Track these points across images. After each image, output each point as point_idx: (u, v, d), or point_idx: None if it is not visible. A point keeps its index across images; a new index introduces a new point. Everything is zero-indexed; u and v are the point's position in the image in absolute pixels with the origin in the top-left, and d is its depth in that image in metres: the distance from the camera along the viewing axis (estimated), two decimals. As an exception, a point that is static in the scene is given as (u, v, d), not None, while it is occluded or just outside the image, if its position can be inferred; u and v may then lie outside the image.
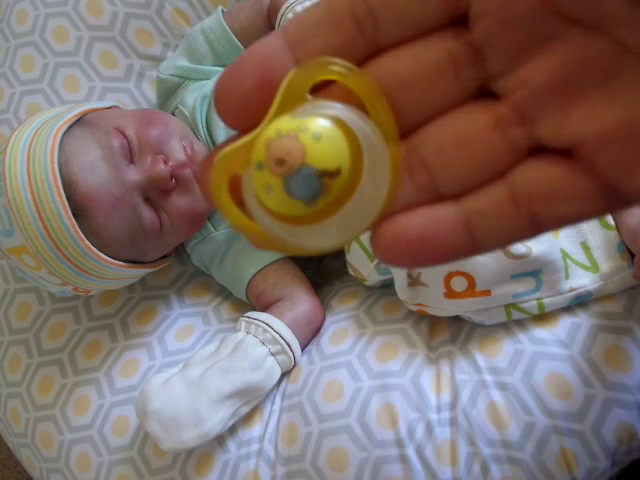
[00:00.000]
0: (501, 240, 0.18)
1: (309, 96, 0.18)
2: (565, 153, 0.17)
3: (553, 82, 0.17)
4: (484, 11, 0.17)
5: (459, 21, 0.17)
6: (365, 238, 0.56)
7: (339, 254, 0.70)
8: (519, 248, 0.47)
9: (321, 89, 0.18)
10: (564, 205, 0.17)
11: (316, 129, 0.17)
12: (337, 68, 0.17)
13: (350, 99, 0.18)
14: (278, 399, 0.56)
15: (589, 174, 0.17)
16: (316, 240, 0.18)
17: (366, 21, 0.17)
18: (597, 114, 0.16)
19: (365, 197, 0.18)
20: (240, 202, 0.19)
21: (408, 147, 0.18)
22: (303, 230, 0.18)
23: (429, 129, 0.18)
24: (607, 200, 0.17)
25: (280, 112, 0.17)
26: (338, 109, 0.17)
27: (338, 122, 0.17)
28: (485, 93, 0.18)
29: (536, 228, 0.18)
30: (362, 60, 0.18)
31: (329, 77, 0.17)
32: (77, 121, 0.57)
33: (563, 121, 0.17)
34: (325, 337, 0.58)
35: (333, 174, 0.17)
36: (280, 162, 0.17)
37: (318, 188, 0.17)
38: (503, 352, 0.49)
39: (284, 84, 0.17)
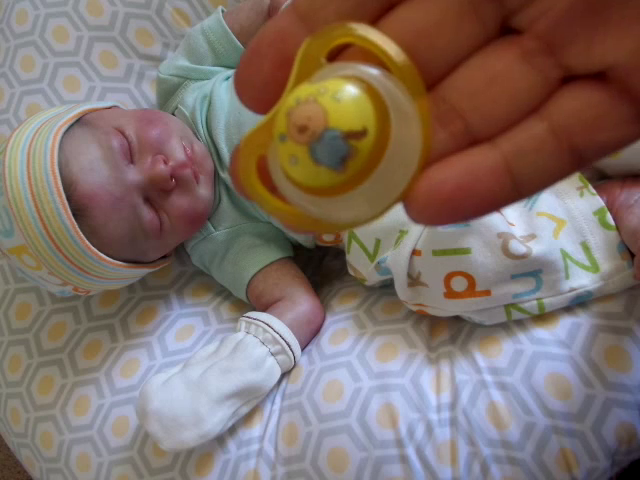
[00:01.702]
0: (544, 179, 0.17)
1: (325, 62, 0.17)
2: (598, 78, 0.16)
3: (576, 5, 0.16)
4: None
5: None
6: (365, 237, 0.56)
7: (339, 254, 0.70)
8: (519, 248, 0.47)
9: (337, 56, 0.17)
10: (605, 132, 0.17)
11: (335, 90, 0.16)
12: (350, 30, 0.16)
13: (369, 59, 0.17)
14: (278, 399, 0.56)
15: (625, 96, 0.16)
16: (349, 212, 0.17)
17: None
18: (628, 33, 0.16)
19: (397, 157, 0.16)
20: (272, 185, 0.18)
21: (435, 98, 0.17)
22: (335, 202, 0.17)
23: (455, 76, 0.18)
24: None
25: (298, 82, 0.17)
26: (356, 68, 0.17)
27: (358, 81, 0.16)
28: (507, 32, 0.17)
29: (578, 161, 0.17)
30: (377, 19, 0.17)
31: (343, 40, 0.17)
32: (77, 121, 0.57)
33: (591, 44, 0.16)
34: (325, 337, 0.58)
35: (359, 135, 0.16)
36: (302, 129, 0.16)
37: (345, 151, 0.16)
38: (503, 352, 0.49)
39: (299, 55, 0.17)
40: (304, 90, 0.16)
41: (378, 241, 0.55)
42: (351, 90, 0.16)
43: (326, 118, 0.16)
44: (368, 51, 0.17)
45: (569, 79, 0.17)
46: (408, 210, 0.17)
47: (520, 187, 0.17)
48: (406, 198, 0.17)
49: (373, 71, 0.16)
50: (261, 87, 0.17)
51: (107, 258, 0.55)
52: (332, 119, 0.16)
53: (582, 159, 0.17)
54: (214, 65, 0.66)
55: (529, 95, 0.17)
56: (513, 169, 0.17)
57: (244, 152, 0.18)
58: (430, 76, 0.17)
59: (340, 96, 0.16)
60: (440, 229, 0.48)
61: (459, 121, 0.17)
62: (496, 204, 0.17)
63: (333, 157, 0.16)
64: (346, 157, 0.16)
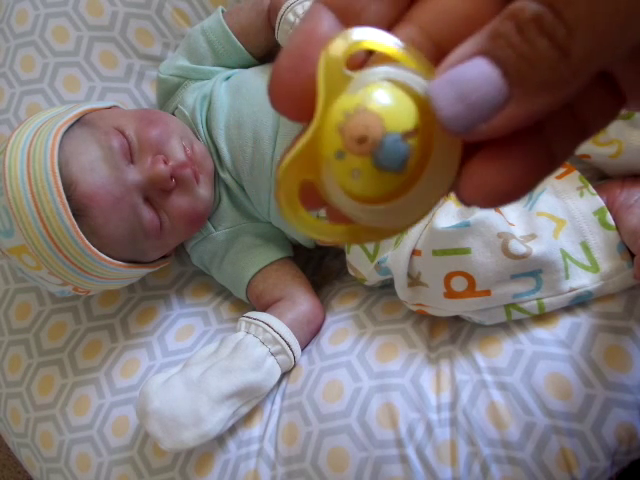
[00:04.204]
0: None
1: (348, 72, 0.17)
2: None
3: None
4: None
5: None
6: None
7: (339, 254, 0.70)
8: (519, 248, 0.47)
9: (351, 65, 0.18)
10: None
11: (380, 95, 0.16)
12: (357, 37, 0.17)
13: (383, 61, 0.17)
14: (278, 399, 0.56)
15: None
16: (412, 210, 0.17)
17: None
18: None
19: (445, 143, 0.17)
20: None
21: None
22: (399, 204, 0.17)
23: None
24: None
25: (330, 97, 0.17)
26: (385, 71, 0.17)
27: (392, 82, 0.17)
28: None
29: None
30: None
31: (356, 49, 0.17)
32: (77, 121, 0.57)
33: None
34: (325, 337, 0.58)
35: (413, 133, 0.16)
36: (362, 140, 0.16)
37: (406, 151, 0.16)
38: (503, 352, 0.49)
39: (321, 69, 0.17)
40: (348, 102, 0.16)
41: (378, 241, 0.55)
42: (393, 93, 0.16)
43: (382, 124, 0.16)
44: (383, 54, 0.17)
45: None
46: (463, 196, 0.17)
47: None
48: (456, 189, 0.17)
49: (399, 70, 0.17)
50: (305, 93, 0.17)
51: (107, 258, 0.55)
52: (388, 123, 0.16)
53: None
54: (214, 65, 0.66)
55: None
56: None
57: (285, 184, 0.17)
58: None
59: (386, 100, 0.16)
60: (440, 229, 0.48)
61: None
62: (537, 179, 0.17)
63: (397, 160, 0.16)
64: (407, 157, 0.16)
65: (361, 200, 0.17)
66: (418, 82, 0.17)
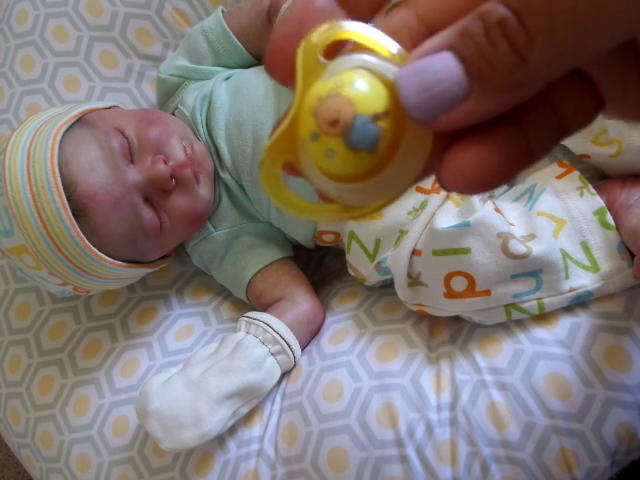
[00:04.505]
0: None
1: (324, 60, 0.18)
2: None
3: None
4: None
5: None
6: (365, 237, 0.56)
7: (339, 254, 0.70)
8: (519, 248, 0.47)
9: (331, 52, 0.19)
10: None
11: (352, 81, 0.17)
12: (341, 27, 0.18)
13: (361, 50, 0.18)
14: (278, 399, 0.56)
15: None
16: (390, 187, 0.18)
17: None
18: None
19: (417, 128, 0.18)
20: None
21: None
22: (374, 182, 0.18)
23: None
24: None
25: (307, 83, 0.18)
26: (360, 59, 0.18)
27: (366, 69, 0.18)
28: None
29: None
30: None
31: (337, 37, 0.18)
32: (77, 121, 0.57)
33: None
34: (325, 337, 0.58)
35: (384, 115, 0.17)
36: (333, 122, 0.17)
37: (376, 132, 0.17)
38: (503, 352, 0.49)
39: (300, 57, 0.18)
40: (322, 87, 0.17)
41: (378, 241, 0.55)
42: (365, 78, 0.17)
43: (353, 107, 0.17)
44: (361, 44, 0.18)
45: None
46: (442, 181, 0.18)
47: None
48: (433, 170, 0.18)
49: (373, 58, 0.18)
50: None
51: (107, 258, 0.55)
52: (359, 106, 0.17)
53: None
54: (214, 65, 0.66)
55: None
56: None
57: (267, 164, 0.19)
58: None
59: (358, 85, 0.17)
60: (440, 229, 0.48)
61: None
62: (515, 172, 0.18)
63: (367, 140, 0.17)
64: (378, 138, 0.17)
65: (337, 179, 0.18)
66: (390, 70, 0.17)
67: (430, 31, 0.18)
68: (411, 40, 0.18)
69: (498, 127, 0.18)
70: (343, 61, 0.18)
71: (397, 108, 0.17)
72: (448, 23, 0.18)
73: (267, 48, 0.19)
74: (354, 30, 0.18)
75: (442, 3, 0.18)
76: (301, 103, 0.18)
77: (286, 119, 0.18)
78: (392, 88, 0.17)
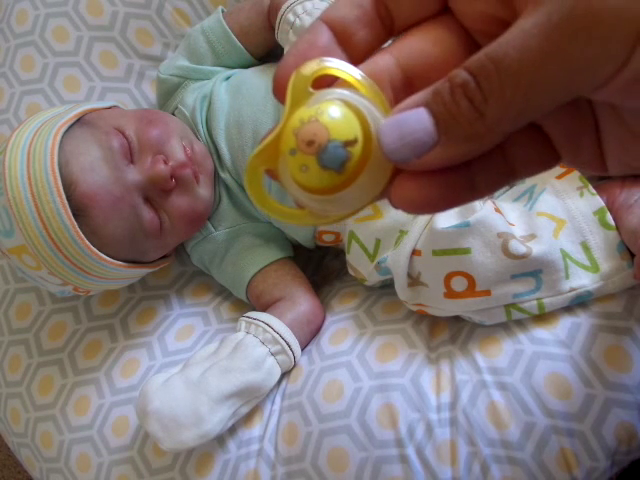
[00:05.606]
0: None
1: (311, 89, 0.21)
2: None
3: None
4: None
5: None
6: (365, 237, 0.56)
7: (339, 254, 0.70)
8: (519, 248, 0.47)
9: (319, 83, 0.22)
10: None
11: (330, 111, 0.20)
12: (324, 63, 0.21)
13: (344, 85, 0.22)
14: (278, 399, 0.56)
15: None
16: (351, 202, 0.22)
17: None
18: None
19: (380, 156, 0.21)
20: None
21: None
22: (335, 198, 0.21)
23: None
24: None
25: (294, 107, 0.21)
26: (340, 93, 0.21)
27: (344, 102, 0.21)
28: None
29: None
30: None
31: (322, 73, 0.21)
32: (77, 121, 0.57)
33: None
34: (325, 337, 0.58)
35: (353, 142, 0.20)
36: (310, 143, 0.20)
37: (344, 156, 0.20)
38: (503, 352, 0.49)
39: (290, 86, 0.21)
40: (305, 113, 0.21)
41: (378, 241, 0.55)
42: (341, 110, 0.21)
43: (328, 133, 0.20)
44: (345, 80, 0.21)
45: None
46: (391, 202, 0.21)
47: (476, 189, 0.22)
48: (387, 193, 0.21)
49: (352, 94, 0.21)
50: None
51: (107, 258, 0.55)
52: (332, 133, 0.20)
53: None
54: (214, 65, 0.66)
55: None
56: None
57: (251, 168, 0.22)
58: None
59: (334, 115, 0.20)
60: (440, 229, 0.48)
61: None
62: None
63: (336, 162, 0.20)
64: (345, 160, 0.20)
65: (308, 190, 0.21)
66: (364, 104, 0.21)
67: (405, 76, 0.22)
68: (390, 81, 0.22)
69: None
70: (326, 93, 0.21)
71: (365, 138, 0.20)
72: (422, 72, 0.22)
73: (275, 74, 0.22)
74: (337, 67, 0.21)
75: (418, 55, 0.22)
76: (286, 123, 0.21)
77: (272, 134, 0.21)
78: (363, 120, 0.21)
